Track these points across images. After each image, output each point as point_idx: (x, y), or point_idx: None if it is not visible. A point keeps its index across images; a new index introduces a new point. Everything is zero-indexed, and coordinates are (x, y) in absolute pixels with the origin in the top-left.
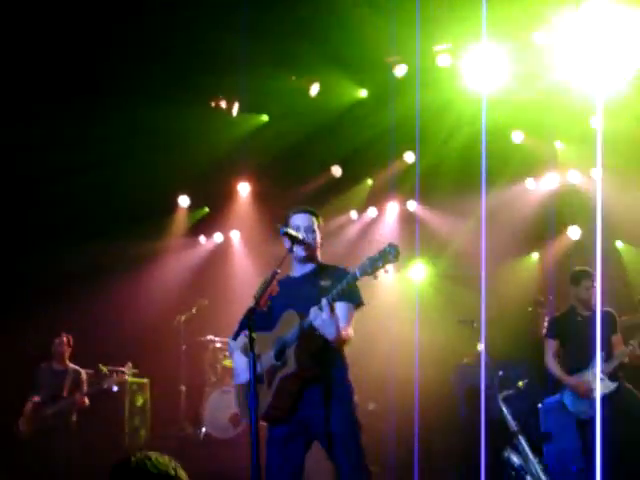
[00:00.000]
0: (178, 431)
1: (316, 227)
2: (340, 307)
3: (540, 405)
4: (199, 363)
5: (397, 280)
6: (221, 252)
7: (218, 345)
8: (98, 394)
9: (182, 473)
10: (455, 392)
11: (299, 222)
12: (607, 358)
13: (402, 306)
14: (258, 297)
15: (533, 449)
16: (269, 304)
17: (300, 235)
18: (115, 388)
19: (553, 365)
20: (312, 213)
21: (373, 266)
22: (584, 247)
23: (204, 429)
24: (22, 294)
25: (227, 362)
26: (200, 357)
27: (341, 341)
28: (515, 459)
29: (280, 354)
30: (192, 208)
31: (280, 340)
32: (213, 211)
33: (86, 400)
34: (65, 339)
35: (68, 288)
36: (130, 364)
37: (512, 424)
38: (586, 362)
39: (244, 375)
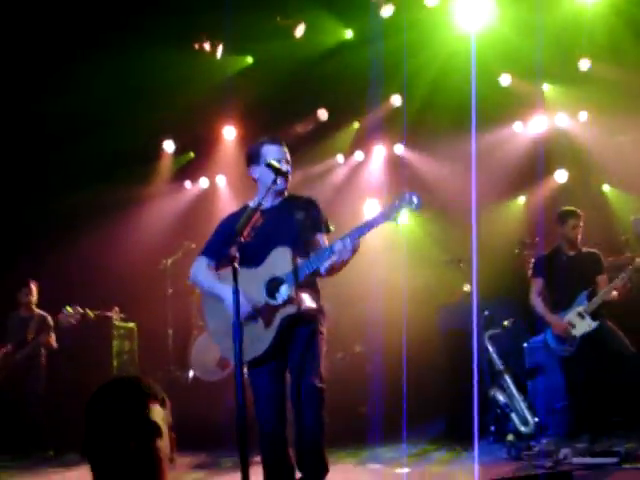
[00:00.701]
0: (166, 374)
1: (289, 157)
2: (320, 239)
3: (525, 344)
4: (186, 307)
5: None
6: (207, 197)
7: None
8: (63, 335)
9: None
10: (442, 332)
11: (275, 154)
12: (590, 297)
13: (389, 248)
14: (241, 229)
15: (518, 387)
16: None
17: (283, 167)
18: (72, 321)
19: (537, 303)
20: (283, 143)
21: (396, 211)
22: (571, 190)
23: (191, 372)
24: (5, 241)
25: None
26: (187, 301)
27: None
28: (501, 397)
29: (273, 291)
30: (177, 153)
31: (274, 278)
32: (198, 156)
33: (53, 342)
34: (31, 287)
35: (53, 234)
36: (117, 309)
37: (497, 362)
38: (570, 301)
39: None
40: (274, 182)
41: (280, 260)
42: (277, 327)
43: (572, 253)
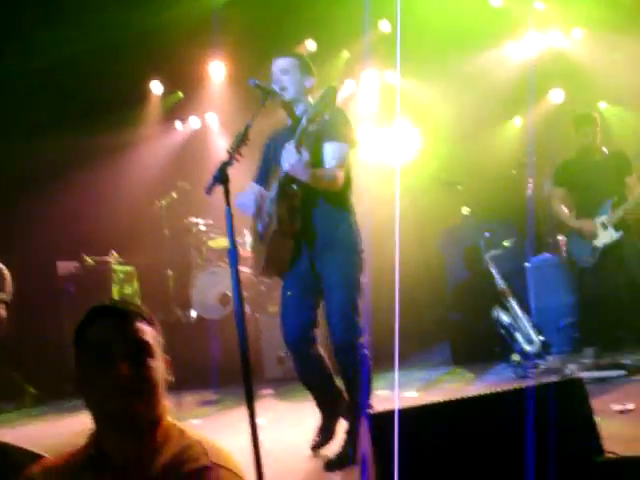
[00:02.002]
0: (168, 315)
1: (294, 68)
2: (325, 148)
3: (527, 264)
4: (184, 247)
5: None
6: (198, 137)
7: (202, 227)
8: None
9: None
10: (445, 255)
11: (273, 68)
12: (614, 206)
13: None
14: (232, 151)
15: (521, 307)
16: (268, 154)
17: (270, 87)
18: None
19: (560, 210)
20: (290, 55)
21: (315, 111)
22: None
23: (194, 311)
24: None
25: (212, 243)
26: (184, 240)
27: (322, 182)
28: (504, 317)
29: (270, 211)
30: (165, 94)
31: (268, 197)
32: (187, 95)
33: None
34: None
35: (44, 181)
36: (114, 252)
37: (500, 283)
38: (593, 210)
39: (247, 209)
40: (262, 103)
41: (274, 179)
42: (267, 242)
43: (595, 157)
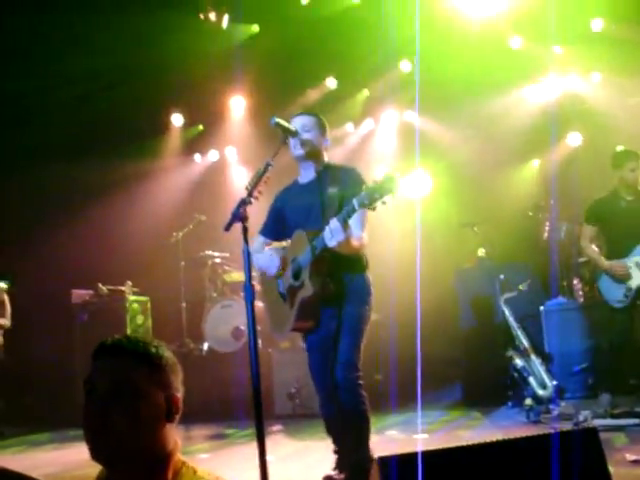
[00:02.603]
0: (180, 347)
1: (314, 127)
2: (353, 219)
3: (542, 307)
4: (198, 279)
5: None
6: (217, 169)
7: (217, 260)
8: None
9: (166, 353)
10: (459, 297)
11: (295, 124)
12: None
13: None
14: (250, 189)
15: (535, 351)
16: (280, 209)
17: (291, 126)
18: None
19: (589, 249)
20: (311, 114)
21: (370, 198)
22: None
23: (206, 344)
24: (19, 217)
25: (227, 277)
26: (199, 273)
27: (357, 250)
28: (518, 361)
29: (297, 274)
30: (186, 126)
31: (295, 261)
32: (207, 128)
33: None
34: None
35: (64, 210)
36: (129, 283)
37: (514, 326)
38: (627, 250)
39: (269, 270)
40: (283, 141)
41: (298, 243)
42: (296, 309)
43: (631, 198)
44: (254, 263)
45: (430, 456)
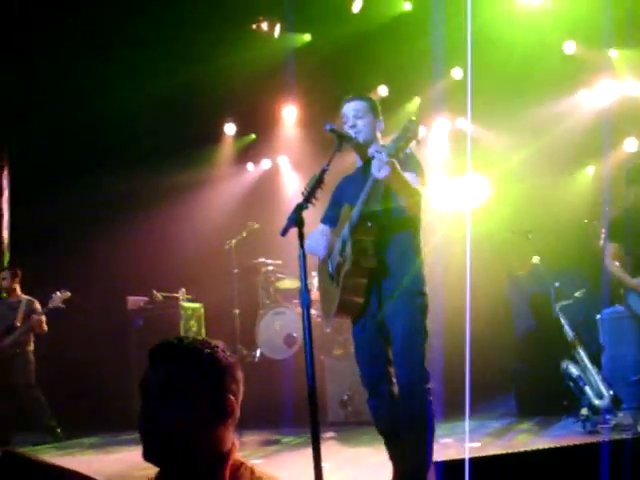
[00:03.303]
0: (233, 354)
1: (367, 111)
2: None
3: (598, 316)
4: (251, 286)
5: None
6: (269, 178)
7: (270, 268)
8: (52, 314)
9: (221, 354)
10: (512, 304)
11: (346, 111)
12: None
13: (457, 222)
14: (307, 194)
15: (591, 359)
16: (339, 196)
17: (346, 131)
18: (61, 305)
19: (613, 267)
20: (362, 98)
21: (396, 147)
22: None
23: (259, 351)
24: (77, 225)
25: (279, 284)
26: (252, 280)
27: (410, 190)
28: (573, 370)
29: (342, 250)
30: (238, 135)
31: (340, 236)
32: (260, 137)
33: (43, 325)
34: (7, 273)
35: (121, 218)
36: (183, 290)
37: (570, 334)
38: None
39: (315, 251)
40: (338, 149)
41: (344, 219)
42: (341, 286)
43: None
44: (306, 247)
45: (479, 462)
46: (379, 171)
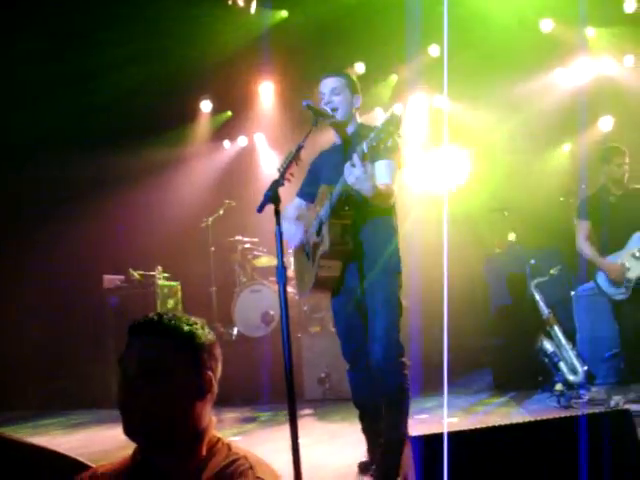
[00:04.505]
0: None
1: (344, 88)
2: (379, 165)
3: (573, 292)
4: (228, 264)
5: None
6: (246, 155)
7: (247, 245)
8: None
9: (200, 331)
10: (489, 282)
11: (323, 87)
12: None
13: (433, 201)
14: (282, 171)
15: (566, 336)
16: (315, 171)
17: (323, 108)
18: None
19: (585, 246)
20: (340, 75)
21: (378, 139)
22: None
23: (236, 329)
24: (52, 201)
25: (256, 262)
26: (229, 258)
27: (381, 196)
28: (548, 346)
29: (319, 230)
30: (215, 112)
31: (318, 216)
32: (236, 114)
33: None
34: None
35: (96, 195)
36: (160, 268)
37: (545, 311)
38: (621, 242)
39: (292, 241)
40: (314, 123)
41: (321, 199)
42: (317, 265)
43: (620, 192)
44: (283, 230)
45: (457, 436)
46: (348, 176)
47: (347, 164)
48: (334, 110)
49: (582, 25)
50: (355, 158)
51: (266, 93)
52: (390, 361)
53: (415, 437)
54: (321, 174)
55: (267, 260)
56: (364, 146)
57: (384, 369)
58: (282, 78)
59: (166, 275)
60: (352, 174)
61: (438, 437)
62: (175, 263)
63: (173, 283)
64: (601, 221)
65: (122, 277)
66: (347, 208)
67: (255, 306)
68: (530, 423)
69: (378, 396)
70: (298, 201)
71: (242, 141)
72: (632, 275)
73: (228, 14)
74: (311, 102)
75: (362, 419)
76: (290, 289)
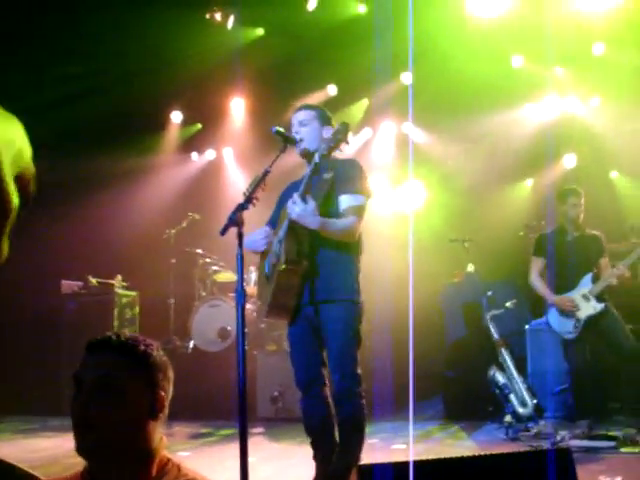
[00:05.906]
0: (166, 344)
1: (312, 120)
2: (341, 199)
3: (527, 326)
4: (188, 277)
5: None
6: (213, 169)
7: (208, 260)
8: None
9: (155, 352)
10: (445, 310)
11: (293, 119)
12: (595, 279)
13: (396, 226)
14: (248, 194)
15: (518, 369)
16: (284, 200)
17: (292, 134)
18: None
19: (537, 282)
20: (309, 107)
21: (328, 148)
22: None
23: (192, 342)
24: None
25: (217, 277)
26: (189, 271)
27: (333, 234)
28: (500, 377)
29: (278, 251)
30: (184, 124)
31: (277, 237)
32: (206, 127)
33: None
34: None
35: (59, 201)
36: (119, 277)
37: (498, 342)
38: (573, 283)
39: (253, 245)
40: (282, 150)
41: (282, 221)
42: (274, 286)
43: (576, 234)
44: (247, 242)
45: (402, 467)
46: (291, 213)
47: (289, 201)
48: (300, 140)
49: (551, 64)
50: (295, 196)
51: (237, 108)
52: (348, 391)
53: (364, 466)
54: (285, 200)
55: (227, 276)
56: (316, 157)
57: (342, 399)
58: (254, 95)
59: (125, 284)
60: (293, 211)
61: (386, 467)
62: (135, 272)
63: (132, 293)
64: (556, 259)
65: (80, 283)
66: (303, 227)
67: (213, 321)
68: (474, 457)
69: (331, 424)
70: (266, 228)
71: (210, 154)
72: (582, 315)
73: (205, 28)
74: (280, 128)
75: (314, 447)
76: (249, 306)
